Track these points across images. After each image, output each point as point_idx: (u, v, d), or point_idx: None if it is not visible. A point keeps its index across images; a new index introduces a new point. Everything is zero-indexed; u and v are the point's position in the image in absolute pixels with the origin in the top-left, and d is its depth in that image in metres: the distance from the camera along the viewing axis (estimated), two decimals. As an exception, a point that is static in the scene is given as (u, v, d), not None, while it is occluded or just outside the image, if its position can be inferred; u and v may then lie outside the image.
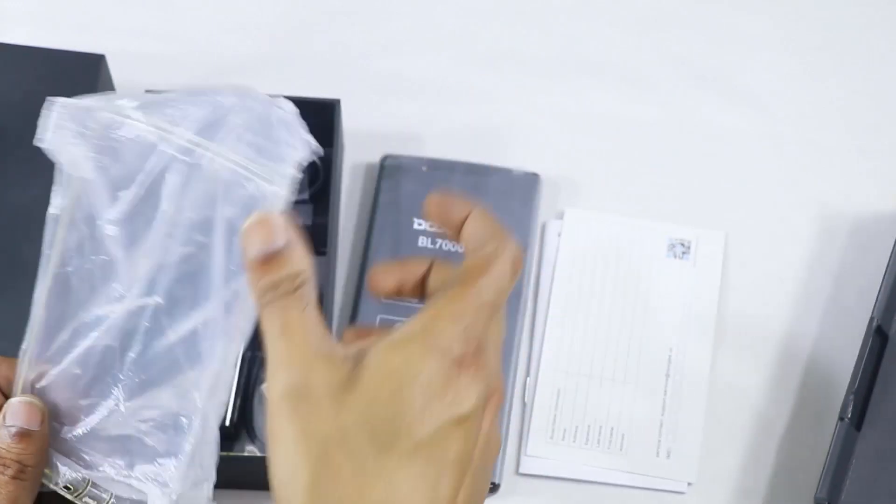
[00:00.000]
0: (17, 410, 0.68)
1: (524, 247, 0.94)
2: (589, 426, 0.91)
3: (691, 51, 1.02)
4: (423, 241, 0.95)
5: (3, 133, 0.92)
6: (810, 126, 1.00)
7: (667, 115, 1.01)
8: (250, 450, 0.88)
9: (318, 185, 0.95)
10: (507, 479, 0.90)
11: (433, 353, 0.59)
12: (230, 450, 0.87)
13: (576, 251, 0.96)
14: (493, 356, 0.62)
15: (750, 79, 1.02)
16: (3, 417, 0.69)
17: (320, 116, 0.93)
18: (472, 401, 0.59)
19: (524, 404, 0.92)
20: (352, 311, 0.93)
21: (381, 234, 0.95)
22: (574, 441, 0.91)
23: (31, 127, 0.91)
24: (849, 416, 0.86)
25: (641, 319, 0.94)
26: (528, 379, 0.92)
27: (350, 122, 0.96)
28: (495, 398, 0.62)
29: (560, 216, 0.97)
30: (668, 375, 0.92)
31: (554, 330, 0.94)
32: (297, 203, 0.92)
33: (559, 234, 0.96)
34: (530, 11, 1.04)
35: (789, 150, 0.99)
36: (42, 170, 0.90)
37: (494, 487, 0.89)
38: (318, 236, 0.93)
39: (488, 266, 0.61)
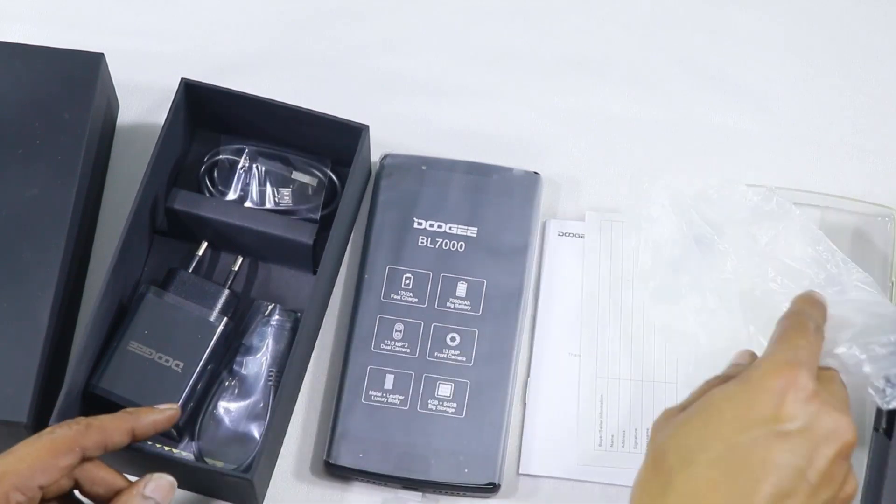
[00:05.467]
0: (162, 486, 0.77)
1: (525, 247, 0.94)
2: (590, 425, 0.91)
3: (692, 50, 1.02)
4: (422, 241, 0.94)
5: (3, 132, 0.91)
6: (811, 126, 1.00)
7: (668, 114, 1.01)
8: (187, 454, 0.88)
9: (332, 206, 0.93)
10: (507, 479, 0.90)
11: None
12: (174, 447, 0.88)
13: (595, 253, 0.95)
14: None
15: (751, 78, 1.01)
16: (145, 485, 0.76)
17: (345, 138, 0.92)
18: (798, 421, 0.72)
19: (524, 404, 0.92)
20: (352, 311, 0.93)
21: (381, 233, 0.95)
22: (574, 441, 0.91)
23: (30, 126, 0.92)
24: (883, 426, 0.85)
25: (641, 318, 0.94)
26: (529, 379, 0.92)
27: (350, 121, 0.96)
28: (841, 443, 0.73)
29: (555, 215, 0.97)
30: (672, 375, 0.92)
31: (554, 330, 0.93)
32: (306, 220, 0.92)
33: (559, 234, 0.96)
34: (531, 11, 1.03)
35: (791, 150, 0.99)
36: (42, 169, 0.90)
37: (495, 487, 0.89)
38: (317, 255, 0.92)
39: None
